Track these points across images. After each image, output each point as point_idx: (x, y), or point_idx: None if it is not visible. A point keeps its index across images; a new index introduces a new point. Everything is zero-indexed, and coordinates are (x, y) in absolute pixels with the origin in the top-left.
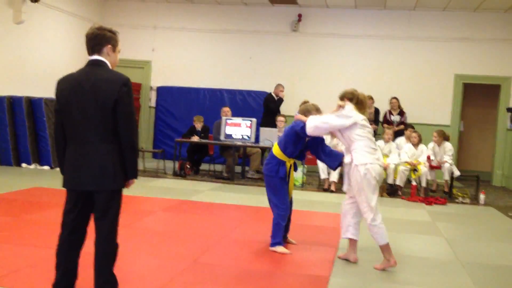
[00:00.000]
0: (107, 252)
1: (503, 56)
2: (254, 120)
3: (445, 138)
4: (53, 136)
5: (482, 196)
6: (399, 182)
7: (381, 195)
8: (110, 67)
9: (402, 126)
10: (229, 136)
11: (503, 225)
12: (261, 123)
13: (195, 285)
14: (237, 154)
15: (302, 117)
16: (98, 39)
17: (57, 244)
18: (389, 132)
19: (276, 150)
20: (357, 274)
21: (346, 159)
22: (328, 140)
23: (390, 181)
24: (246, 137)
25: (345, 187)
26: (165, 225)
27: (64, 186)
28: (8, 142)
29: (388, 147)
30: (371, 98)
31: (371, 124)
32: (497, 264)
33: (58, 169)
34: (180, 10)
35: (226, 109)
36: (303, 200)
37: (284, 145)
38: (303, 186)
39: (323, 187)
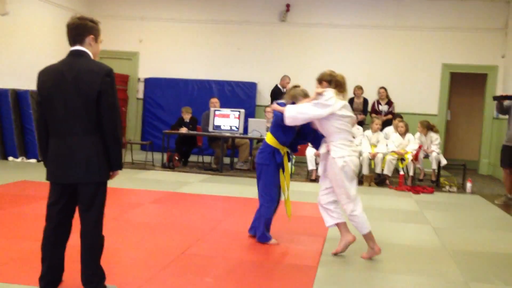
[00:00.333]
0: (93, 245)
1: (489, 45)
2: (242, 111)
3: (430, 128)
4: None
5: (469, 185)
6: (387, 171)
7: (369, 184)
8: (92, 57)
9: (390, 116)
10: (217, 127)
11: (489, 213)
12: None
13: (183, 276)
14: (225, 145)
15: (278, 108)
16: (80, 29)
17: (42, 237)
18: (377, 122)
19: (270, 139)
20: (345, 263)
21: (322, 150)
22: None
23: (378, 170)
24: (234, 128)
25: (320, 171)
26: (154, 217)
27: (48, 179)
28: None
29: (376, 137)
30: (360, 88)
31: (359, 114)
32: (483, 251)
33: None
34: (167, 1)
35: (215, 100)
36: (291, 191)
37: (276, 134)
38: (292, 177)
39: (310, 177)
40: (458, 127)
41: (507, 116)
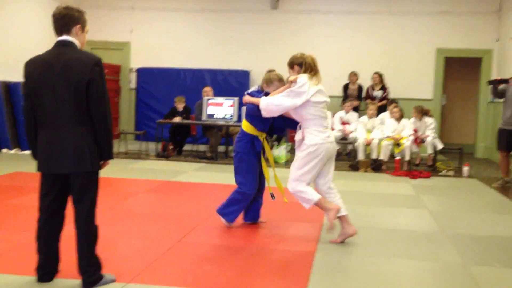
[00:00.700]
0: (87, 234)
1: (484, 29)
2: (236, 99)
3: (425, 112)
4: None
5: (465, 169)
6: (383, 157)
7: (365, 170)
8: (79, 47)
9: (384, 102)
10: (211, 116)
11: (486, 197)
12: None
13: (180, 264)
14: (220, 133)
15: (252, 100)
16: (67, 19)
17: (36, 228)
18: (372, 107)
19: (246, 127)
20: (342, 249)
21: (297, 136)
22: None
23: (374, 156)
24: (228, 117)
25: None
26: (149, 206)
27: (39, 170)
28: None
29: (371, 123)
30: (355, 74)
31: (354, 101)
32: (481, 234)
33: None
34: None
35: (208, 89)
36: (287, 178)
37: (253, 122)
38: (287, 164)
39: None
40: (453, 112)
41: (502, 100)
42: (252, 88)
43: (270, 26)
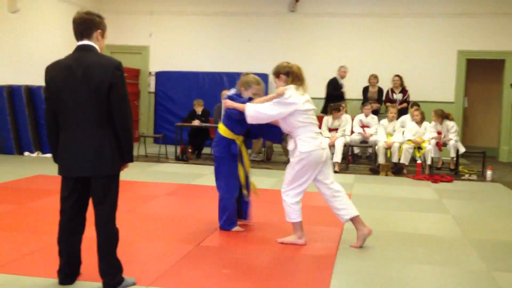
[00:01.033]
0: (108, 237)
1: (506, 30)
2: None
3: (445, 116)
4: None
5: (489, 172)
6: (404, 160)
7: (386, 174)
8: (99, 52)
9: (405, 105)
10: None
11: (510, 201)
12: (322, 110)
13: (200, 268)
14: None
15: (234, 105)
16: (88, 24)
17: (58, 231)
18: (393, 110)
19: (224, 131)
20: (363, 253)
21: (290, 146)
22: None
23: (394, 159)
24: None
25: None
26: (169, 209)
27: (60, 173)
28: (9, 131)
29: (392, 126)
30: (375, 77)
31: (374, 103)
32: (505, 240)
33: None
34: None
35: (226, 92)
36: None
37: (230, 126)
38: None
39: None
40: (476, 114)
41: None
42: (231, 91)
43: (288, 29)
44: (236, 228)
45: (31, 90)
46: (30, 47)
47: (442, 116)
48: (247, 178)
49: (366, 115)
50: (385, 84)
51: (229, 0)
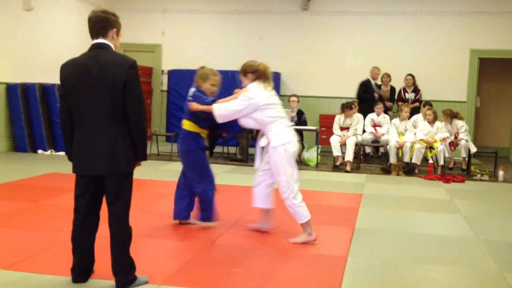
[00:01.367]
0: (121, 235)
1: None
2: None
3: (454, 115)
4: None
5: (501, 173)
6: (416, 160)
7: (397, 173)
8: (114, 50)
9: (417, 104)
10: None
11: None
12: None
13: (212, 267)
14: (250, 136)
15: (200, 107)
16: (104, 23)
17: (72, 229)
18: (406, 110)
19: (189, 126)
20: (375, 253)
21: (263, 142)
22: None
23: (406, 159)
24: None
25: (256, 164)
26: None
27: (74, 171)
28: (23, 129)
29: (403, 125)
30: (388, 76)
31: (387, 102)
32: None
33: None
34: None
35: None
36: (317, 181)
37: (196, 121)
38: (318, 167)
39: (335, 164)
40: (488, 114)
41: None
42: (192, 90)
43: (300, 28)
44: (214, 224)
45: (45, 88)
46: (44, 45)
47: (451, 115)
48: None
49: (378, 114)
50: (397, 83)
51: None
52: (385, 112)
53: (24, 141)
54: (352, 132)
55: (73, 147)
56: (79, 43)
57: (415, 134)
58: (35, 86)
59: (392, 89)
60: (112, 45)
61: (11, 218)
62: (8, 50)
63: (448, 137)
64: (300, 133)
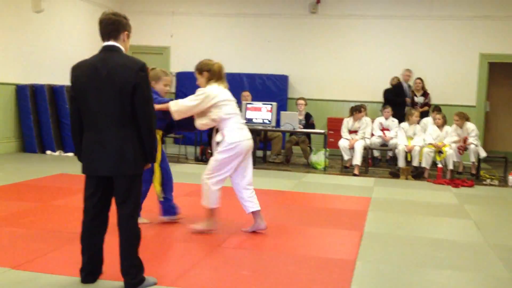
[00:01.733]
0: (129, 237)
1: None
2: (275, 104)
3: (467, 119)
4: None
5: (510, 178)
6: (425, 164)
7: (406, 177)
8: (124, 53)
9: (426, 108)
10: (249, 120)
11: None
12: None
13: (220, 269)
14: (258, 138)
15: (156, 107)
16: (115, 25)
17: (81, 230)
18: (416, 114)
19: None
20: (384, 258)
21: (218, 138)
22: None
23: (415, 163)
24: (266, 121)
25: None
26: (188, 210)
27: (83, 172)
28: (32, 129)
29: (412, 129)
30: (398, 79)
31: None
32: None
33: None
34: None
35: (246, 94)
36: (326, 184)
37: None
38: (326, 170)
39: (345, 165)
40: (497, 119)
41: None
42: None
43: (308, 31)
44: (142, 220)
45: (53, 89)
46: (53, 47)
47: (465, 118)
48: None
49: (386, 118)
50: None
51: (249, 1)
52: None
53: (33, 142)
54: (360, 135)
55: (82, 148)
56: (88, 44)
57: (424, 138)
58: (44, 87)
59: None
60: (122, 48)
61: (20, 218)
62: (17, 52)
63: (458, 140)
64: (308, 136)
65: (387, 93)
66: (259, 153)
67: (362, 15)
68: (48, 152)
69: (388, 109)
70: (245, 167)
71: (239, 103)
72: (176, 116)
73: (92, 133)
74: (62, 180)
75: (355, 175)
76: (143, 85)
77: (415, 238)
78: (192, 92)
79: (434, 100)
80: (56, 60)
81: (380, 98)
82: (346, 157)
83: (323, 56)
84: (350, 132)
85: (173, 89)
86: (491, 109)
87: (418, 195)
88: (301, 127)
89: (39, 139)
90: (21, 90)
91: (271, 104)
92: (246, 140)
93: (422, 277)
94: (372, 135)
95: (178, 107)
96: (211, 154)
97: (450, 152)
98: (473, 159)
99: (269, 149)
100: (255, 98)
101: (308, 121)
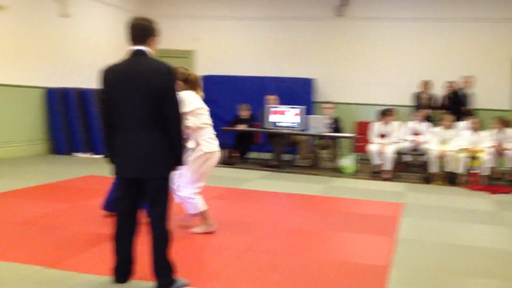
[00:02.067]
0: (161, 238)
1: None
2: (302, 107)
3: (506, 124)
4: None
5: None
6: (459, 170)
7: (439, 183)
8: (152, 57)
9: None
10: (275, 124)
11: None
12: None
13: (251, 272)
14: (285, 142)
15: None
16: (145, 30)
17: (113, 230)
18: (448, 118)
19: None
20: (419, 265)
21: (191, 145)
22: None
23: (448, 169)
24: (294, 125)
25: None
26: (216, 213)
27: (115, 174)
28: (61, 132)
29: (446, 134)
30: (427, 83)
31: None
32: None
33: None
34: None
35: (272, 97)
36: (355, 189)
37: None
38: (354, 174)
39: (374, 170)
40: None
41: None
42: None
43: (335, 34)
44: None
45: (81, 93)
46: (80, 51)
47: (504, 123)
48: None
49: (418, 122)
50: (438, 90)
51: (275, 4)
52: (426, 120)
53: (62, 144)
54: (391, 140)
55: (114, 151)
56: (114, 48)
57: (458, 142)
58: (72, 91)
59: (432, 97)
60: (151, 52)
61: (51, 218)
62: (46, 56)
63: (495, 146)
64: (335, 140)
65: (444, 99)
66: (287, 157)
67: (390, 17)
68: (77, 154)
69: (420, 113)
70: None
71: (264, 106)
72: None
73: (123, 135)
74: (91, 182)
75: (385, 179)
76: (172, 89)
77: (451, 245)
78: (218, 95)
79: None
80: (83, 63)
81: (408, 101)
82: (375, 162)
83: (350, 59)
84: (380, 136)
85: None
86: None
87: (452, 201)
88: (329, 131)
89: (69, 141)
90: (50, 94)
91: (298, 108)
92: (218, 151)
93: (458, 285)
94: (403, 139)
95: None
96: (239, 158)
97: (486, 157)
98: (510, 164)
99: (296, 153)
100: (281, 101)
101: (337, 125)
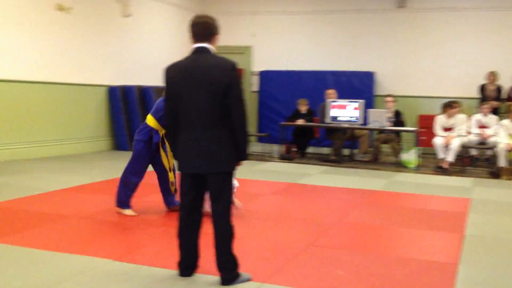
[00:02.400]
0: (224, 233)
1: None
2: (361, 101)
3: None
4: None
5: None
6: None
7: (508, 178)
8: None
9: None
10: (334, 119)
11: None
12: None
13: (314, 268)
14: (344, 136)
15: None
16: (209, 28)
17: (178, 225)
18: None
19: (151, 121)
20: (489, 263)
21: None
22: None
23: None
24: (353, 119)
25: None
26: (276, 207)
27: (179, 169)
28: (124, 128)
29: None
30: (494, 74)
31: (493, 102)
32: None
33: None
34: None
35: (331, 91)
36: (419, 184)
37: (159, 118)
38: (418, 169)
39: (440, 165)
40: None
41: None
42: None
43: (396, 26)
44: (128, 212)
45: (142, 90)
46: (140, 49)
47: None
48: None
49: (485, 115)
50: (505, 81)
51: None
52: (493, 112)
53: (125, 140)
54: (456, 132)
55: (178, 147)
56: (173, 46)
57: None
58: (133, 89)
59: (499, 88)
60: (213, 49)
61: (116, 213)
62: (108, 55)
63: None
64: (397, 134)
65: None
66: (346, 151)
67: (453, 7)
68: None
69: (487, 105)
70: None
71: (323, 100)
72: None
73: (187, 132)
74: (154, 177)
75: (444, 170)
76: (236, 84)
77: None
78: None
79: None
80: (144, 62)
81: (474, 93)
82: (441, 156)
83: (412, 51)
84: (445, 129)
85: (256, 88)
86: None
87: None
88: (390, 124)
89: (131, 137)
90: (112, 91)
91: (358, 102)
92: None
93: None
94: (469, 132)
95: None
96: (297, 152)
97: None
98: None
99: (356, 147)
100: (340, 95)
101: (398, 119)
